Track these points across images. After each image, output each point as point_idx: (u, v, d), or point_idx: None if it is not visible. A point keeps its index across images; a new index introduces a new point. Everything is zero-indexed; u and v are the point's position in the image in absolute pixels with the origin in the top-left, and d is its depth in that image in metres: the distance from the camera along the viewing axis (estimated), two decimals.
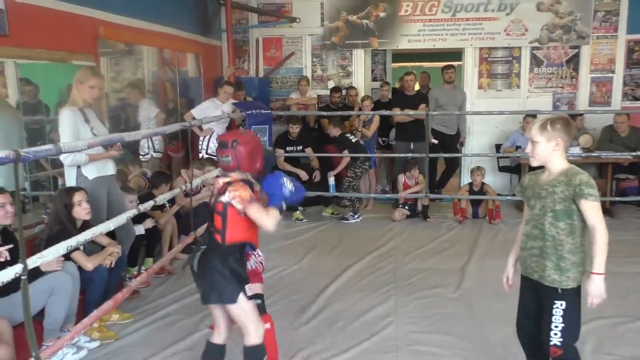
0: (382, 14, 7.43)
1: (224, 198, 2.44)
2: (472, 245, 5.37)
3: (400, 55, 9.83)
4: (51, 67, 4.17)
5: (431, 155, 6.26)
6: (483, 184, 6.34)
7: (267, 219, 2.44)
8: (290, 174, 6.43)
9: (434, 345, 3.33)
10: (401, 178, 6.46)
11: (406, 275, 4.54)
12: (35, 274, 3.02)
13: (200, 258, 2.57)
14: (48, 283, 3.11)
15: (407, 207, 6.42)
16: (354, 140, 6.42)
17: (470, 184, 6.37)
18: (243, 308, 2.49)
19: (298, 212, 6.43)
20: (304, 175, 6.48)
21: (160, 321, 3.72)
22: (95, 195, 3.69)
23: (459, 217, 6.17)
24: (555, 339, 2.41)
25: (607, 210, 6.49)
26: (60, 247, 2.69)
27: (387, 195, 6.90)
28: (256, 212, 2.43)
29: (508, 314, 3.69)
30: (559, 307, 2.40)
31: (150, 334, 3.56)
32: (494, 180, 7.19)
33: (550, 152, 2.38)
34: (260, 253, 3.12)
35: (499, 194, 6.62)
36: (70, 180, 3.65)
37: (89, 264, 3.39)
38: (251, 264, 3.05)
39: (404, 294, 4.15)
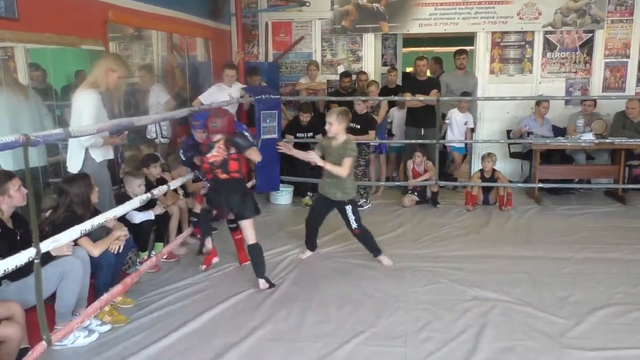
0: None
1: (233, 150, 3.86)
2: (482, 232, 5.34)
3: (411, 40, 9.73)
4: (59, 52, 4.17)
5: (442, 141, 6.22)
6: (494, 170, 6.29)
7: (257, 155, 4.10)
8: (299, 160, 6.48)
9: (443, 331, 3.32)
10: (410, 165, 6.43)
11: (415, 261, 4.53)
12: (46, 258, 3.04)
13: (231, 196, 3.88)
14: (59, 268, 3.13)
15: (416, 194, 6.39)
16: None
17: (481, 171, 6.32)
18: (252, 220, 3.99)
19: (307, 197, 6.42)
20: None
21: (170, 306, 3.74)
22: (101, 177, 3.77)
23: (469, 207, 6.13)
24: (354, 225, 4.36)
25: (620, 197, 6.44)
26: (74, 232, 2.71)
27: (397, 182, 6.87)
28: (250, 153, 3.96)
29: (516, 300, 3.71)
30: (349, 209, 4.33)
31: (160, 317, 3.57)
32: (504, 166, 7.13)
33: (340, 130, 4.20)
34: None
35: (510, 181, 6.57)
36: (78, 162, 3.68)
37: (95, 251, 3.40)
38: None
39: (412, 280, 4.14)
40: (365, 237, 4.45)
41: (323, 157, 4.29)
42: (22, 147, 2.30)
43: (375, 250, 4.48)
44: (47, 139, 2.47)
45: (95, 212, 3.52)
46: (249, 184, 5.65)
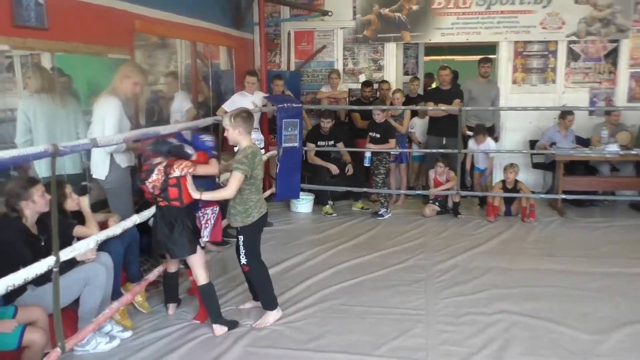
0: (414, 7, 7.34)
1: (175, 173, 3.23)
2: (504, 244, 5.28)
3: (433, 49, 9.70)
4: (84, 59, 4.24)
5: (463, 151, 6.17)
6: (516, 181, 6.22)
7: (214, 168, 3.43)
8: (321, 169, 6.49)
9: (465, 345, 3.28)
10: (432, 174, 6.39)
11: (436, 272, 4.49)
12: (70, 264, 3.08)
13: (162, 225, 3.31)
14: (83, 273, 3.17)
15: (437, 203, 6.35)
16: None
17: (504, 181, 6.25)
18: (198, 255, 3.42)
19: (328, 206, 6.42)
20: (334, 169, 6.46)
21: (192, 313, 3.76)
22: (126, 183, 3.88)
23: (492, 218, 6.06)
24: (242, 260, 3.53)
25: None
26: (92, 241, 2.76)
27: (418, 192, 6.83)
28: (202, 168, 3.34)
29: (540, 315, 3.65)
30: (240, 240, 3.51)
31: (180, 324, 3.59)
32: (527, 177, 7.05)
33: (237, 136, 3.39)
34: (204, 213, 3.89)
35: (532, 192, 6.49)
36: (104, 168, 3.76)
37: (94, 229, 3.35)
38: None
39: (434, 291, 4.11)
40: (257, 278, 3.61)
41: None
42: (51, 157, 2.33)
43: (267, 299, 3.62)
44: (75, 149, 2.51)
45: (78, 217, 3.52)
46: (267, 192, 5.67)
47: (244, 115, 3.42)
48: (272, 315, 3.59)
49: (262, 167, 3.53)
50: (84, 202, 3.42)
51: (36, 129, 3.67)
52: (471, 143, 6.49)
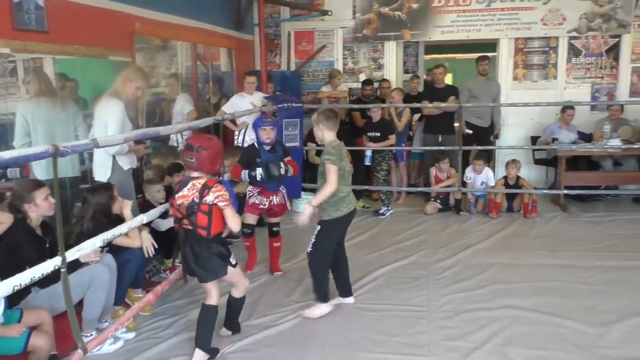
0: (414, 5, 7.34)
1: (209, 199, 2.88)
2: (506, 240, 5.28)
3: (433, 47, 9.70)
4: (84, 62, 4.26)
5: (464, 147, 6.16)
6: (518, 177, 6.21)
7: (236, 222, 3.01)
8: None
9: (468, 341, 3.28)
10: (433, 171, 6.39)
11: (438, 269, 4.49)
12: (74, 265, 3.09)
13: (187, 250, 3.02)
14: (86, 275, 3.17)
15: (439, 201, 6.34)
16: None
17: (505, 177, 6.25)
18: (232, 274, 3.10)
19: None
20: None
21: (194, 316, 3.76)
22: (128, 185, 3.85)
23: (494, 215, 6.06)
24: (309, 247, 3.62)
25: None
26: (98, 240, 2.76)
27: (419, 189, 6.83)
28: (231, 213, 2.98)
29: (544, 310, 3.65)
30: (317, 229, 3.61)
31: (184, 326, 3.60)
32: (529, 173, 7.04)
33: (318, 132, 3.60)
34: (283, 188, 4.32)
35: (535, 188, 6.48)
36: (106, 170, 3.73)
37: (136, 241, 3.41)
38: (279, 199, 4.31)
39: (436, 288, 4.10)
40: (314, 270, 3.65)
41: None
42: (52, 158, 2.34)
43: (320, 292, 3.66)
44: (75, 149, 2.52)
45: (118, 222, 3.57)
46: None
47: (327, 114, 3.61)
48: (322, 308, 3.65)
49: (347, 160, 3.65)
50: (127, 207, 3.44)
51: (35, 132, 3.69)
52: (469, 171, 6.31)
